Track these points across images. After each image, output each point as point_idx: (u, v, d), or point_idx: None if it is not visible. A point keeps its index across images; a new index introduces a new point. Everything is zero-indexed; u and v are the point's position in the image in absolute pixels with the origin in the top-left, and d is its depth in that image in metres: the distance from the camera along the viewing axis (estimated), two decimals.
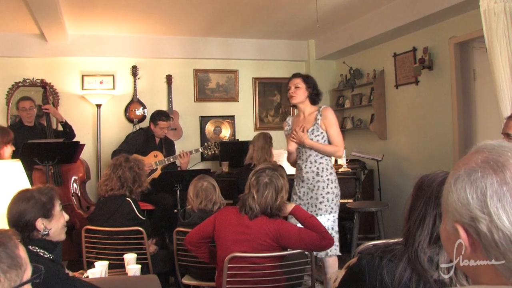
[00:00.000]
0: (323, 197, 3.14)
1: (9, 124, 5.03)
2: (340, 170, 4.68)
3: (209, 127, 6.06)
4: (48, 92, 5.01)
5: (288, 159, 3.43)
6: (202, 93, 6.05)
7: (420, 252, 1.25)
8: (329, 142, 3.19)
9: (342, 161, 4.79)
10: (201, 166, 5.70)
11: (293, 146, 3.24)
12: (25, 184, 2.26)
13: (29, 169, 4.08)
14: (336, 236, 3.11)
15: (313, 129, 3.16)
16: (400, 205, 4.58)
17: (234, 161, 5.14)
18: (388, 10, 4.75)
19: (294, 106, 3.33)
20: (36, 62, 5.38)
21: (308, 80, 3.27)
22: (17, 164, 2.33)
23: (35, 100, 4.77)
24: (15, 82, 5.31)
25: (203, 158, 5.94)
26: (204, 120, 6.05)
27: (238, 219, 2.43)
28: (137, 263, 2.60)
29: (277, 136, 6.06)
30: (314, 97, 3.28)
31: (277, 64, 6.30)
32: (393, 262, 1.30)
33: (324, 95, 6.29)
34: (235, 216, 2.45)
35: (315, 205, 3.15)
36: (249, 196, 2.42)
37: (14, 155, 3.29)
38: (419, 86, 4.81)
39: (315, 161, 3.18)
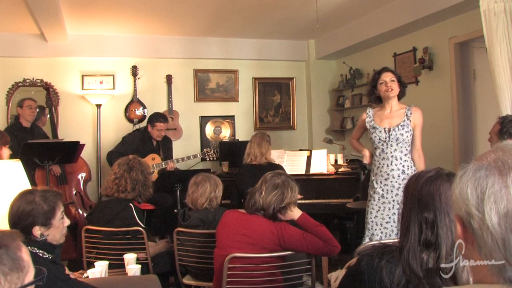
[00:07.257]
0: None
1: (9, 125, 4.99)
2: (340, 170, 4.67)
3: (209, 127, 6.06)
4: (51, 93, 5.02)
5: (353, 145, 3.46)
6: (202, 93, 6.05)
7: (411, 258, 1.25)
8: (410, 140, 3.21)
9: (342, 161, 4.78)
10: (201, 166, 5.69)
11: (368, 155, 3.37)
12: (25, 185, 2.25)
13: (31, 169, 4.07)
14: None
15: (403, 125, 3.14)
16: None
17: (234, 161, 5.13)
18: (388, 10, 4.75)
19: (379, 101, 3.24)
20: (36, 62, 5.37)
21: (397, 74, 3.22)
22: (17, 164, 2.32)
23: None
24: (15, 82, 5.30)
25: (203, 159, 5.93)
26: (204, 120, 6.05)
27: (241, 223, 2.41)
28: (137, 263, 2.59)
29: (278, 136, 6.09)
30: (402, 93, 3.23)
31: (277, 64, 6.30)
32: (392, 263, 1.30)
33: (324, 95, 6.40)
34: (238, 219, 2.44)
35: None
36: (257, 191, 2.41)
37: (14, 156, 3.29)
38: (419, 86, 4.80)
39: (401, 158, 3.15)
